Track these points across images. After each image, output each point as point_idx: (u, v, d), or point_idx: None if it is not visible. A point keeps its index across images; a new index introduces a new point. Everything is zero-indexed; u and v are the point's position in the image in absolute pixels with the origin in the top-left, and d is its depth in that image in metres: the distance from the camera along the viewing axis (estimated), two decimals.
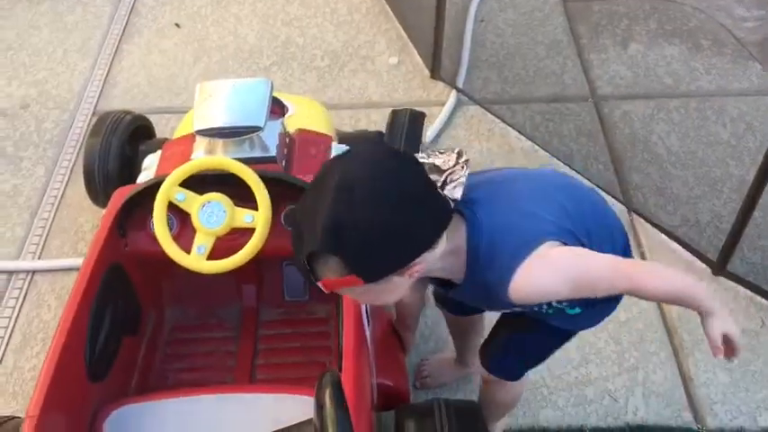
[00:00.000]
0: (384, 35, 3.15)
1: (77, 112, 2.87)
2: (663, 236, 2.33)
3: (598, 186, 2.47)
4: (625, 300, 2.16)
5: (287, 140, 1.87)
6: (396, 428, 1.49)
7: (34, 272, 2.30)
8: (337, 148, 1.91)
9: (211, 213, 1.61)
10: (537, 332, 1.47)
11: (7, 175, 2.64)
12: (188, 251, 1.62)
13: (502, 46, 3.07)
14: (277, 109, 1.98)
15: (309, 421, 1.22)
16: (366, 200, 1.04)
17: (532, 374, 1.89)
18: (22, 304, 2.22)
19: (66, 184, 2.59)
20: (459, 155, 1.18)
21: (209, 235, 1.61)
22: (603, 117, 2.75)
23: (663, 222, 2.36)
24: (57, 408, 1.37)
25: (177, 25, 3.26)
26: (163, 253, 1.61)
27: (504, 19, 3.21)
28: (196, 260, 1.61)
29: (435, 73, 2.91)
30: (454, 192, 1.14)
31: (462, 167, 1.17)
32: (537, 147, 2.63)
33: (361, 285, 1.08)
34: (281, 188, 1.66)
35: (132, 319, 1.82)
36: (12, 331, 2.15)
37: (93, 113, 2.82)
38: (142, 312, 1.87)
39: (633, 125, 2.71)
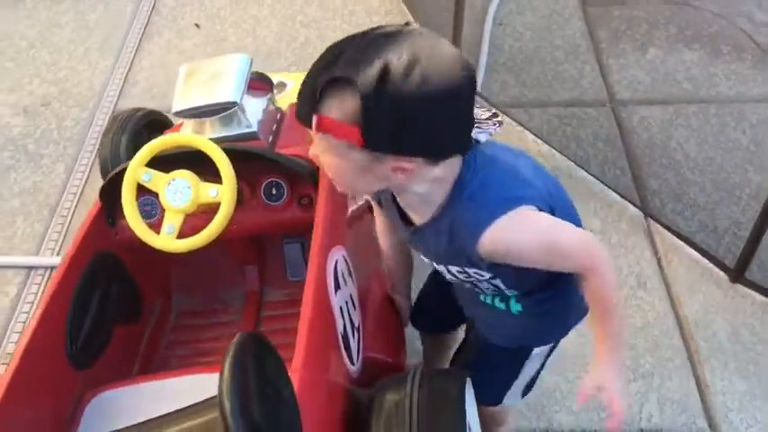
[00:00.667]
0: None
1: (97, 111, 2.90)
2: (680, 242, 2.32)
3: (615, 191, 2.47)
4: (641, 305, 2.15)
5: (277, 116, 1.87)
6: (369, 398, 1.43)
7: (53, 268, 2.33)
8: None
9: (177, 191, 1.57)
10: (488, 353, 1.49)
11: (28, 172, 2.67)
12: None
13: (520, 50, 3.07)
14: (263, 85, 1.97)
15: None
16: (425, 75, 0.97)
17: (548, 376, 1.89)
18: (40, 300, 2.24)
19: (86, 182, 2.62)
20: (495, 114, 1.19)
21: (177, 213, 1.57)
22: (621, 122, 2.74)
23: (680, 228, 2.34)
24: (26, 396, 1.35)
25: (197, 26, 3.29)
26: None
27: (523, 22, 3.21)
28: (165, 240, 1.57)
29: None
30: (479, 135, 1.13)
31: (495, 124, 1.17)
32: (554, 151, 2.63)
33: (354, 146, 1.00)
34: (261, 163, 1.64)
35: (130, 307, 1.80)
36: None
37: (113, 112, 2.86)
38: (144, 300, 1.86)
39: (651, 130, 2.70)
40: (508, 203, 1.12)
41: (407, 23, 1.08)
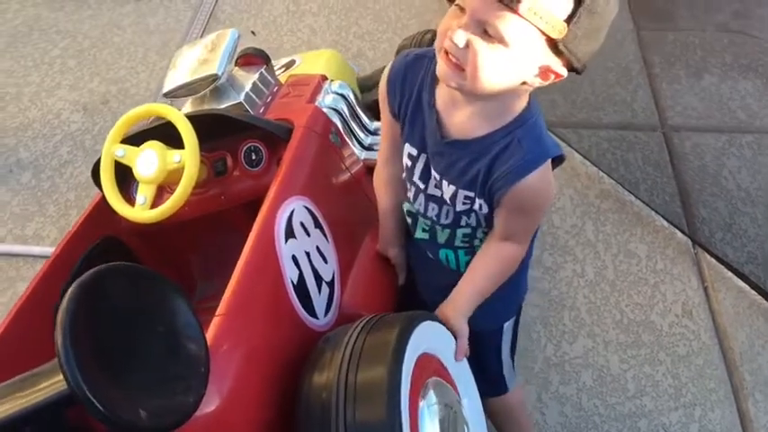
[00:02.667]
0: None
1: None
2: (728, 272, 2.28)
3: (663, 217, 2.45)
4: (685, 333, 2.12)
5: (274, 89, 1.90)
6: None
7: None
8: (336, 85, 1.95)
9: (146, 162, 1.58)
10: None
11: (83, 167, 2.75)
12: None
13: None
14: (257, 60, 1.99)
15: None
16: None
17: (588, 399, 1.88)
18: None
19: None
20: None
21: (148, 183, 1.58)
22: (673, 148, 2.72)
23: (729, 258, 2.31)
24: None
25: (253, 33, 3.35)
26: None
27: None
28: (138, 211, 1.58)
29: None
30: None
31: None
32: (602, 173, 2.61)
33: (542, 37, 1.03)
34: (240, 131, 1.65)
35: None
36: None
37: None
38: None
39: (703, 158, 2.67)
40: (549, 151, 1.18)
41: None
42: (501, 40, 1.03)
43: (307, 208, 1.52)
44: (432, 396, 1.23)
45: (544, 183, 1.19)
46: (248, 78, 1.87)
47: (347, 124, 1.87)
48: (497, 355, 1.59)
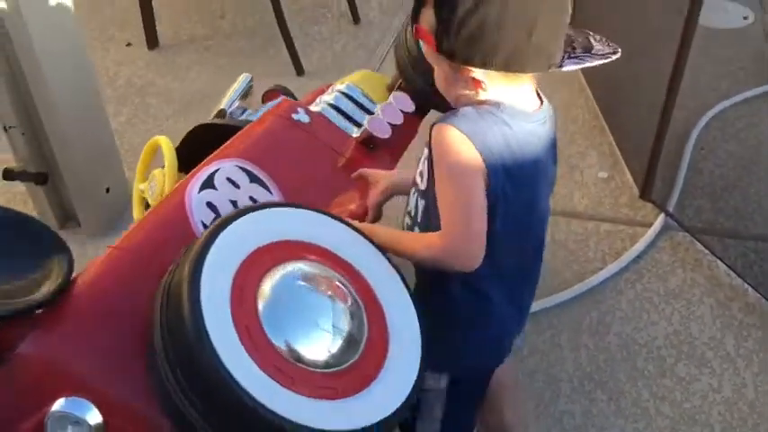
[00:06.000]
0: (596, 149, 3.18)
1: None
2: None
3: None
4: None
5: None
6: None
7: None
8: (343, 86, 2.05)
9: (153, 189, 1.73)
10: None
11: None
12: None
13: (720, 176, 2.98)
14: (274, 95, 2.15)
15: None
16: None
17: None
18: None
19: None
20: (615, 52, 1.34)
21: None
22: None
23: None
24: None
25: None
26: None
27: (726, 150, 3.12)
28: None
29: (645, 194, 2.88)
30: (569, 63, 1.28)
31: (608, 57, 1.33)
32: (748, 286, 2.49)
33: (432, 50, 1.23)
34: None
35: None
36: None
37: None
38: None
39: None
40: (474, 125, 1.24)
41: None
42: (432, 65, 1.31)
43: (241, 167, 1.60)
44: (281, 280, 1.19)
45: (446, 137, 1.24)
46: (261, 109, 2.06)
47: (339, 109, 1.98)
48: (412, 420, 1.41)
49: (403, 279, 1.34)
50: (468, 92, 1.27)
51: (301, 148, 1.81)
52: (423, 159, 1.37)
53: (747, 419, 2.10)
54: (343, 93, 2.05)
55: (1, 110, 2.45)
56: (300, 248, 1.26)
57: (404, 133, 1.94)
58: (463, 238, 1.23)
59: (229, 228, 1.21)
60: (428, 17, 1.21)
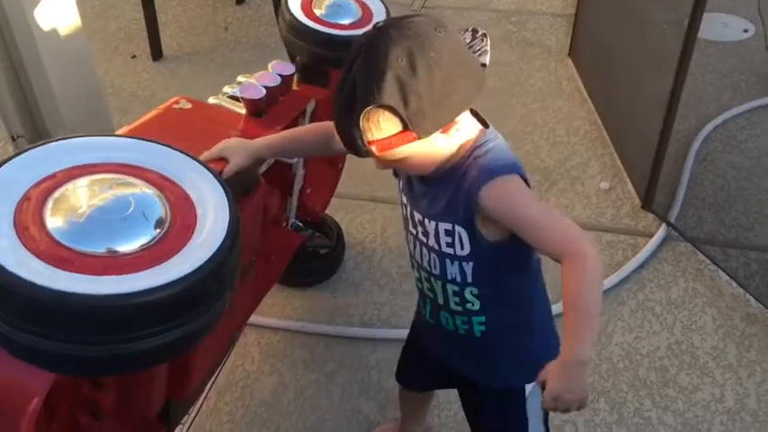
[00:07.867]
0: (598, 160, 3.20)
1: None
2: None
3: None
4: None
5: None
6: None
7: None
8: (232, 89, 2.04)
9: None
10: (483, 405, 1.56)
11: None
12: None
13: (722, 187, 3.00)
14: None
15: None
16: (426, 65, 1.17)
17: None
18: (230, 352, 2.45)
19: None
20: (475, 31, 1.33)
21: None
22: None
23: None
24: None
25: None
26: None
27: (728, 161, 3.14)
28: None
29: (647, 204, 2.89)
30: (482, 58, 1.29)
31: (482, 39, 1.31)
32: (749, 296, 2.50)
33: (412, 142, 1.20)
34: None
35: None
36: (218, 374, 2.37)
37: None
38: None
39: None
40: (508, 167, 1.28)
41: (376, 24, 1.24)
42: (398, 162, 1.28)
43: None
44: (68, 189, 1.24)
45: (515, 186, 1.27)
46: None
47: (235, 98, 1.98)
48: (519, 424, 1.52)
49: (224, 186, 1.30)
50: (463, 139, 1.30)
51: (176, 126, 1.83)
52: (440, 233, 1.37)
53: (750, 429, 2.10)
54: (241, 83, 2.08)
55: (9, 119, 2.48)
56: (93, 168, 1.33)
57: (293, 96, 2.06)
58: (580, 231, 1.25)
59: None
60: (384, 126, 1.20)
